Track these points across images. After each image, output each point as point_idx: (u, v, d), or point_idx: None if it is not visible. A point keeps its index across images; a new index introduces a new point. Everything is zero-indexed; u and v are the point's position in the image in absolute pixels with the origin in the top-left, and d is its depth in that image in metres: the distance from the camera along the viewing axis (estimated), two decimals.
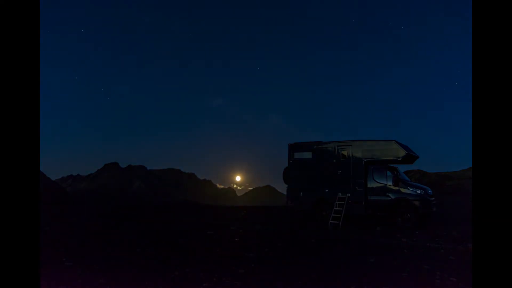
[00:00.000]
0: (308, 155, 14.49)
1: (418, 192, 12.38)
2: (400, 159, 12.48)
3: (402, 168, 14.20)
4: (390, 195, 12.59)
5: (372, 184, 13.03)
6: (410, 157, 13.10)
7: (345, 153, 13.54)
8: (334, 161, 13.69)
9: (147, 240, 9.63)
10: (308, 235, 10.72)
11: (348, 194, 13.07)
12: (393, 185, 12.62)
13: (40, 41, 3.41)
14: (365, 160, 13.08)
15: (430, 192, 12.84)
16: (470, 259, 3.26)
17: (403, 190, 12.44)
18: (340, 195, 13.18)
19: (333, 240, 9.80)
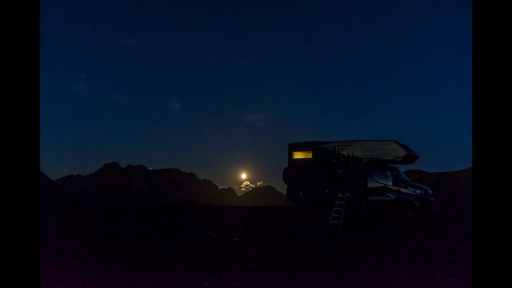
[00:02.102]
0: (308, 155, 14.50)
1: (418, 192, 12.38)
2: (400, 159, 12.49)
3: (402, 168, 14.22)
4: (390, 195, 12.60)
5: (372, 184, 13.03)
6: (410, 157, 13.11)
7: (345, 153, 13.55)
8: (334, 161, 13.69)
9: (147, 240, 9.63)
10: (308, 235, 10.72)
11: (348, 194, 13.08)
12: (393, 185, 12.62)
13: (40, 41, 3.41)
14: (365, 160, 13.09)
15: (430, 192, 12.85)
16: (470, 259, 3.26)
17: (403, 190, 12.44)
18: (340, 195, 13.19)
19: (333, 240, 9.80)
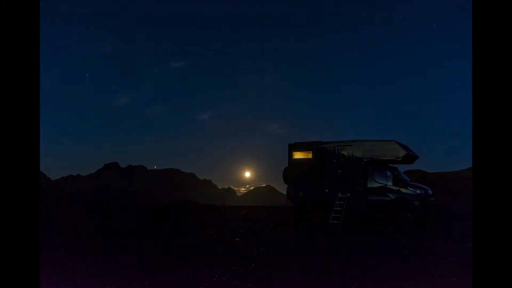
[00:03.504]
0: (308, 155, 14.49)
1: (418, 192, 12.38)
2: (400, 159, 12.48)
3: (402, 168, 14.22)
4: (390, 195, 12.59)
5: (372, 184, 13.03)
6: (410, 157, 13.10)
7: (345, 153, 13.54)
8: (334, 161, 13.68)
9: (147, 240, 9.62)
10: (308, 235, 10.73)
11: (348, 194, 13.07)
12: (393, 185, 12.61)
13: (40, 41, 3.41)
14: (365, 160, 13.08)
15: (430, 192, 12.84)
16: (470, 259, 3.25)
17: (403, 190, 12.44)
18: (340, 195, 13.18)
19: (333, 240, 9.80)
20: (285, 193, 15.16)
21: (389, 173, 12.81)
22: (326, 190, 13.67)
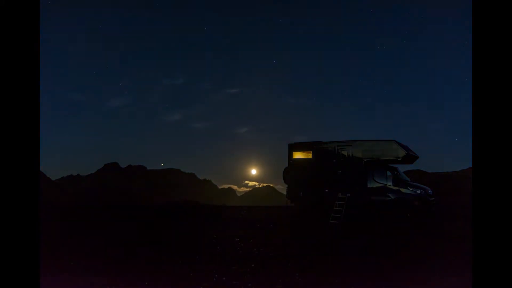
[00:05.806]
0: (308, 155, 14.50)
1: (418, 192, 12.38)
2: (400, 159, 12.49)
3: (402, 168, 14.23)
4: (390, 195, 12.60)
5: (372, 184, 13.03)
6: (410, 157, 13.12)
7: (345, 153, 13.55)
8: (334, 161, 13.69)
9: (147, 240, 9.63)
10: (308, 235, 10.72)
11: (348, 194, 13.07)
12: (393, 185, 12.62)
13: (39, 41, 3.41)
14: (365, 160, 13.09)
15: (430, 192, 12.86)
16: (470, 259, 3.25)
17: (403, 190, 12.44)
18: (340, 195, 13.19)
19: (333, 240, 9.80)
20: (285, 193, 15.17)
21: (389, 173, 12.82)
22: (326, 190, 13.68)
